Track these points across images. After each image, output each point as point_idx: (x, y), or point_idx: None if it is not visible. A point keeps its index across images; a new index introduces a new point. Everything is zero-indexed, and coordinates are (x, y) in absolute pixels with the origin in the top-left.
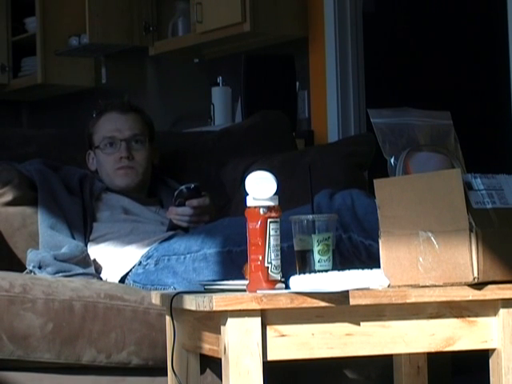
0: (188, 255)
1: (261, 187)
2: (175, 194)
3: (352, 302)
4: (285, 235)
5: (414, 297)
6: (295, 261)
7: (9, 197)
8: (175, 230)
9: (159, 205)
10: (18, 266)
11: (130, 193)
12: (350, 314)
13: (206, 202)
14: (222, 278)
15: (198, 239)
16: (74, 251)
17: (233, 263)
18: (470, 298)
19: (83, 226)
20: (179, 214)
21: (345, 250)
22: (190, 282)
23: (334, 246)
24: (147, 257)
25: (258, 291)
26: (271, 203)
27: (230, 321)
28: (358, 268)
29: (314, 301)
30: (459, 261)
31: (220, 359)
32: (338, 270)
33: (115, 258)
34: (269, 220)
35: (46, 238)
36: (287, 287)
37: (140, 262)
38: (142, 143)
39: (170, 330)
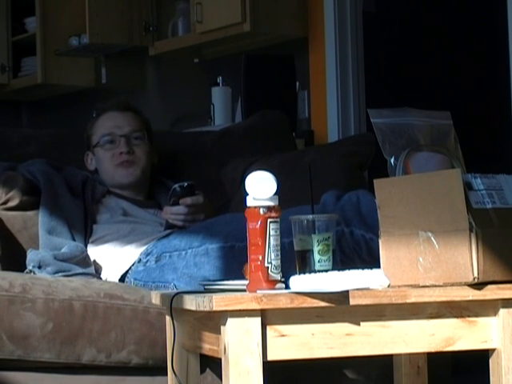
0: (189, 250)
1: (261, 187)
2: (169, 193)
3: (352, 302)
4: (286, 231)
5: (414, 297)
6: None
7: (13, 203)
8: (172, 229)
9: (157, 207)
10: (17, 267)
11: (129, 192)
12: (350, 314)
13: (199, 200)
14: (223, 273)
15: (198, 234)
16: (73, 251)
17: (234, 258)
18: (470, 298)
19: (84, 229)
20: (173, 213)
21: (346, 246)
22: (190, 276)
23: (334, 246)
24: (146, 254)
25: (258, 291)
26: (271, 203)
27: (230, 321)
28: (358, 268)
29: (314, 301)
30: (459, 261)
31: (220, 359)
32: (338, 270)
33: (114, 258)
34: (269, 220)
35: (45, 241)
36: (287, 287)
37: (140, 260)
38: (142, 139)
39: (169, 330)
